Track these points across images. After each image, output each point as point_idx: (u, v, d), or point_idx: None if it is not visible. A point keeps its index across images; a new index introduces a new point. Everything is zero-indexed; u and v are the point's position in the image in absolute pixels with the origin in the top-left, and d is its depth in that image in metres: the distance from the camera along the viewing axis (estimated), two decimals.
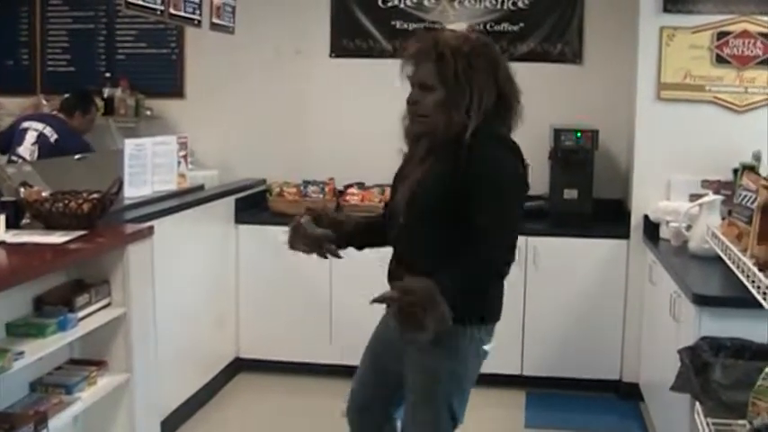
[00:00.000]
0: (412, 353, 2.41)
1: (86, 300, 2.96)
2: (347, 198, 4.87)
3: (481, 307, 2.40)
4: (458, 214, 2.29)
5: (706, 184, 4.06)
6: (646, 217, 4.30)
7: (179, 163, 4.43)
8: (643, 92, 4.28)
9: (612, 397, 4.51)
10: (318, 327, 4.65)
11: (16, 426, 2.56)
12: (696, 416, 2.46)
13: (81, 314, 2.91)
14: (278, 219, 4.72)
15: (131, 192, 3.98)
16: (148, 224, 3.40)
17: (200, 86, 5.34)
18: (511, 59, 4.55)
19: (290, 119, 5.21)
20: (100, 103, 5.27)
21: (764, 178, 2.37)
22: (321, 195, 4.82)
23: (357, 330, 4.50)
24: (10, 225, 3.04)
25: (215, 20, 4.51)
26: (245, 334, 4.78)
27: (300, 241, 2.50)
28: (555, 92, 4.83)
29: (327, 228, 2.52)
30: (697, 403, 2.52)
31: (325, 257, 2.53)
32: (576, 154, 4.50)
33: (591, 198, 4.56)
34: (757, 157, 3.72)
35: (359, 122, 5.07)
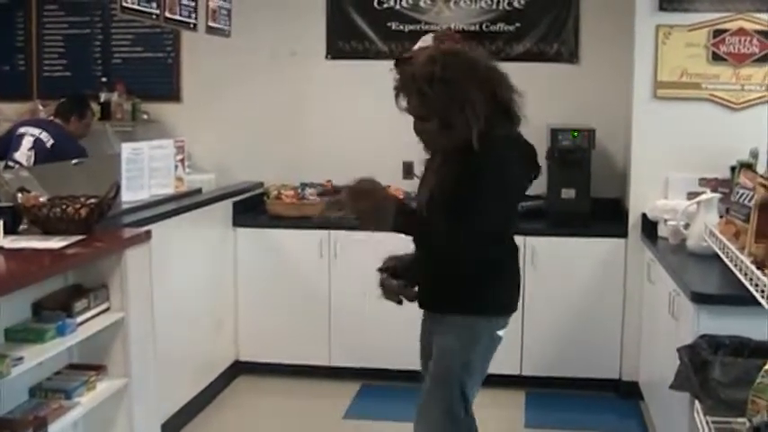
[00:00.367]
0: (434, 341, 2.64)
1: (85, 304, 2.96)
2: None
3: (487, 298, 2.58)
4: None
5: (703, 182, 4.06)
6: (644, 215, 4.30)
7: (176, 167, 4.43)
8: (639, 90, 4.28)
9: (612, 396, 4.51)
10: (317, 329, 4.63)
11: (16, 431, 2.56)
12: (696, 414, 2.45)
13: (80, 319, 2.91)
14: (276, 221, 4.73)
15: (129, 196, 3.97)
16: (146, 228, 3.40)
17: (197, 90, 5.33)
18: (507, 60, 4.65)
19: (287, 121, 5.21)
20: (96, 107, 5.26)
21: (761, 176, 2.37)
22: (317, 198, 4.81)
23: (355, 333, 4.55)
24: (8, 231, 3.03)
25: (210, 23, 4.52)
26: (243, 337, 4.77)
27: (386, 297, 2.65)
28: (551, 92, 4.81)
29: (403, 273, 2.64)
30: (696, 401, 2.51)
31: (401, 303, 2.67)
32: (574, 153, 4.51)
33: (589, 197, 4.56)
34: (754, 154, 3.72)
35: (355, 124, 5.08)
